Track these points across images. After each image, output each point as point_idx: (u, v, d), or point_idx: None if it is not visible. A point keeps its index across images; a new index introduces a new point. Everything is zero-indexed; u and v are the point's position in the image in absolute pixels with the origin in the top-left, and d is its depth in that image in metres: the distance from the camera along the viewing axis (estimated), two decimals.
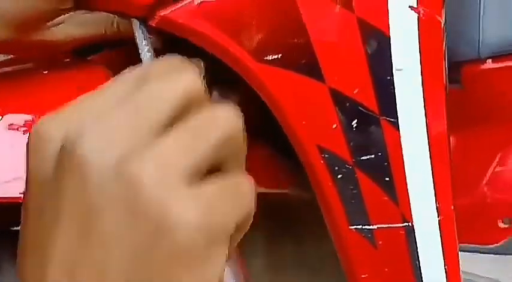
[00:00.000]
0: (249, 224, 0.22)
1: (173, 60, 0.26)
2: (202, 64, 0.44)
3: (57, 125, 0.22)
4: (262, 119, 0.46)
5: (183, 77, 0.22)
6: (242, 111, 0.50)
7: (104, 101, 0.22)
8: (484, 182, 0.76)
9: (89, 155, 0.20)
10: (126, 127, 0.21)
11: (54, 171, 0.21)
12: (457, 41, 0.69)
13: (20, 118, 0.42)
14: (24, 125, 0.42)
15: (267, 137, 0.53)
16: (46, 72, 0.46)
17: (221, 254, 0.20)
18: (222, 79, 0.43)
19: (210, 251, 0.20)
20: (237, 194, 0.21)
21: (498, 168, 0.76)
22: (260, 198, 0.53)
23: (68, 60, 0.50)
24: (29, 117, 0.43)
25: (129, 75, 0.25)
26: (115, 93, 0.23)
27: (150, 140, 0.21)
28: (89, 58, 0.53)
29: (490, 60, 0.73)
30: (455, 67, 0.69)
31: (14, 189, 0.39)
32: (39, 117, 0.42)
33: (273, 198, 0.55)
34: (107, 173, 0.20)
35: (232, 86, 0.44)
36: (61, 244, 0.21)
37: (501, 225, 0.72)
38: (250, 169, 0.57)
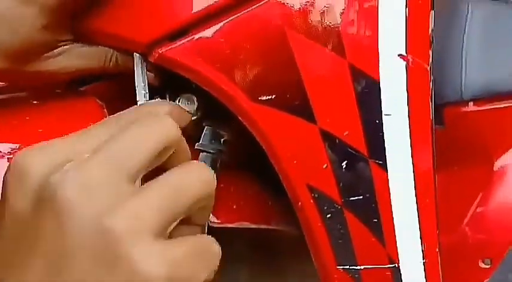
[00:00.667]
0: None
1: (153, 107, 0.28)
2: (195, 99, 0.45)
3: (40, 160, 0.23)
4: (250, 153, 0.47)
5: (158, 125, 0.24)
6: (233, 145, 0.51)
7: (85, 144, 0.24)
8: (465, 222, 0.77)
9: (69, 203, 0.21)
10: (103, 178, 0.22)
11: (33, 208, 0.22)
12: (440, 83, 0.72)
13: (6, 147, 0.42)
14: (9, 153, 0.42)
15: (254, 171, 0.54)
16: (36, 102, 0.46)
17: None
18: (215, 113, 0.44)
19: None
20: (206, 254, 0.23)
21: (479, 209, 0.77)
22: (245, 231, 0.53)
23: (59, 90, 0.50)
24: (15, 146, 0.43)
25: (113, 119, 0.26)
26: (98, 136, 0.24)
27: (125, 193, 0.22)
28: (82, 89, 0.53)
29: (471, 103, 0.75)
30: (438, 108, 0.71)
31: None
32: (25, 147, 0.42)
33: (257, 232, 0.55)
34: (85, 224, 0.21)
35: (225, 120, 0.45)
36: (31, 279, 0.21)
37: (482, 265, 0.73)
38: (237, 203, 0.57)
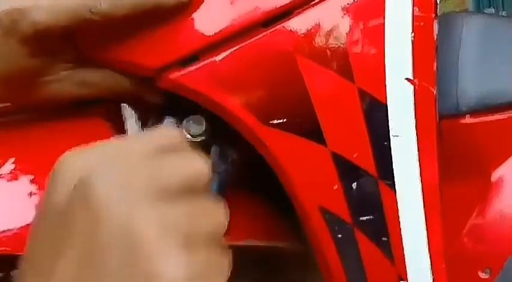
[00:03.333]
0: None
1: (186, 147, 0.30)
2: (203, 121, 0.46)
3: (80, 159, 0.25)
4: (254, 170, 0.48)
5: (198, 164, 0.26)
6: (240, 164, 0.52)
7: (123, 152, 0.25)
8: (464, 233, 0.78)
9: (105, 200, 0.23)
10: (141, 183, 0.24)
11: (69, 202, 0.24)
12: (437, 96, 0.73)
13: (9, 167, 0.42)
14: (10, 173, 0.42)
15: (260, 189, 0.55)
16: (42, 122, 0.46)
17: None
18: (223, 133, 0.45)
19: None
20: (219, 266, 0.25)
21: (477, 220, 0.79)
22: (248, 246, 0.54)
23: (65, 110, 0.49)
24: (21, 166, 0.43)
25: (145, 138, 0.28)
26: (132, 149, 0.26)
27: (157, 201, 0.23)
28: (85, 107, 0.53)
29: (468, 115, 0.76)
30: None
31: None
32: (31, 167, 0.42)
33: (261, 247, 0.56)
34: (116, 221, 0.23)
35: (232, 140, 0.46)
36: (62, 271, 0.23)
37: (482, 275, 0.74)
38: (244, 221, 0.58)
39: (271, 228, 0.56)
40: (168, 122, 0.45)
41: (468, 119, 0.77)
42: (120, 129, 0.48)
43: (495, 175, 0.80)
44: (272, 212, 0.55)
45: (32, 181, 0.41)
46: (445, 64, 0.75)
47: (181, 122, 0.45)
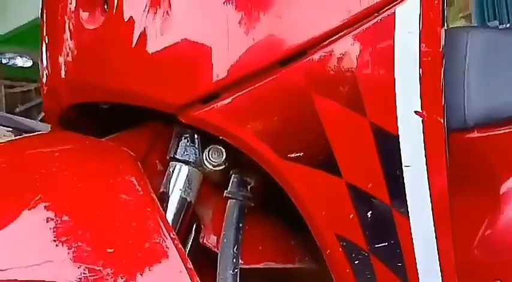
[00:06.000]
0: None
1: None
2: (223, 151, 0.48)
3: None
4: (272, 194, 0.50)
5: None
6: (259, 191, 0.54)
7: None
8: (474, 244, 0.80)
9: None
10: None
11: None
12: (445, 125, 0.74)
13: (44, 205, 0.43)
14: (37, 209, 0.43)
15: (276, 212, 0.57)
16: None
17: None
18: (242, 161, 0.47)
19: None
20: None
21: (487, 232, 0.80)
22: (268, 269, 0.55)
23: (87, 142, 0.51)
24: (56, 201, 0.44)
25: None
26: None
27: None
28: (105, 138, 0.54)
29: (475, 129, 0.78)
30: None
31: (43, 272, 0.41)
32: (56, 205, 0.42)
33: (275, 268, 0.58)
34: None
35: (251, 168, 0.48)
36: None
37: None
38: (261, 244, 0.60)
39: (287, 249, 0.58)
40: (189, 149, 0.47)
41: (476, 133, 0.78)
42: (160, 151, 0.50)
43: (504, 187, 0.82)
44: (286, 232, 0.57)
45: (57, 217, 0.43)
46: (452, 80, 0.77)
47: (202, 149, 0.47)
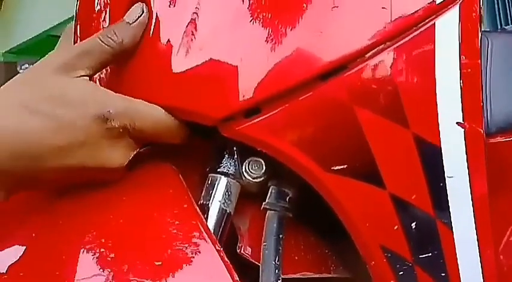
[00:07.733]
0: None
1: None
2: (263, 163, 0.48)
3: None
4: (307, 203, 0.50)
5: None
6: (297, 202, 0.54)
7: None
8: (500, 250, 0.80)
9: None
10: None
11: None
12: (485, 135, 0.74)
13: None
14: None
15: (310, 220, 0.57)
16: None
17: None
18: (281, 173, 0.48)
19: None
20: None
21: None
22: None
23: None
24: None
25: None
26: None
27: None
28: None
29: (498, 135, 0.78)
30: None
31: None
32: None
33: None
34: None
35: (289, 179, 0.48)
36: None
37: None
38: (298, 254, 0.60)
39: (322, 258, 0.58)
40: (228, 161, 0.48)
41: (499, 138, 0.79)
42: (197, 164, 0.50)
43: None
44: (320, 242, 0.58)
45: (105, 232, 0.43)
46: None
47: (241, 161, 0.47)
